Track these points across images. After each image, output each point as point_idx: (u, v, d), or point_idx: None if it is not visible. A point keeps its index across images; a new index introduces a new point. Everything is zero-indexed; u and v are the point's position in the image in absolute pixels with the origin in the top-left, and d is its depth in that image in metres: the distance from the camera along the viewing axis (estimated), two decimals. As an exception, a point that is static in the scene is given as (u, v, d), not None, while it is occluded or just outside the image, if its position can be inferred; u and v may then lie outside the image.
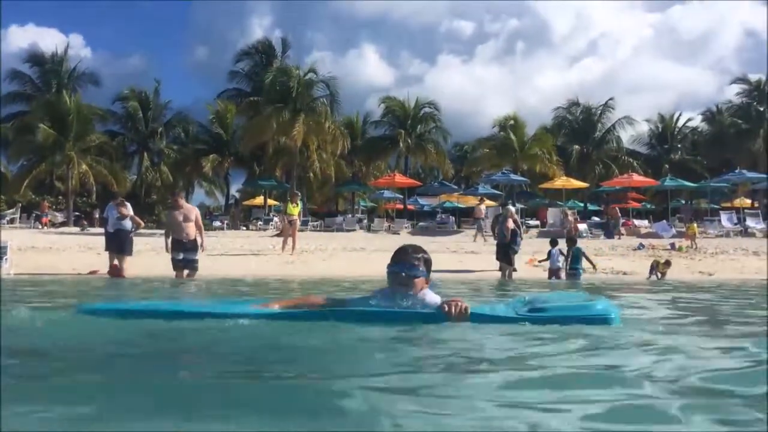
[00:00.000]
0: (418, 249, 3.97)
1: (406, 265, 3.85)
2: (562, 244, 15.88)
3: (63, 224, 34.23)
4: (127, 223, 13.24)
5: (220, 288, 9.30)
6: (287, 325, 3.61)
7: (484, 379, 2.43)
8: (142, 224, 14.01)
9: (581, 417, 1.81)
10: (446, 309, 3.65)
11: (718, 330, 4.29)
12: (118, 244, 13.01)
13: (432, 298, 3.84)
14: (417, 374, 2.50)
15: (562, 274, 15.22)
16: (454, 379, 2.41)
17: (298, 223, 20.44)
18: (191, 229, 11.73)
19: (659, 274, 15.52)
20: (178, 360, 2.89)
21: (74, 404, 1.90)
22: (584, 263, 15.17)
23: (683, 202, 41.84)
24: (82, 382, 2.27)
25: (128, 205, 13.55)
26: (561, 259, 15.48)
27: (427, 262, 3.94)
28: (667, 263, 16.25)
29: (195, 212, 12.15)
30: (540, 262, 16.71)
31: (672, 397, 2.07)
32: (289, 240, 19.33)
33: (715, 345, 3.24)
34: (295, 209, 20.00)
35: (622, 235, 28.34)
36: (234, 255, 18.75)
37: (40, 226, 32.22)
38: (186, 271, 11.63)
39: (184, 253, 11.64)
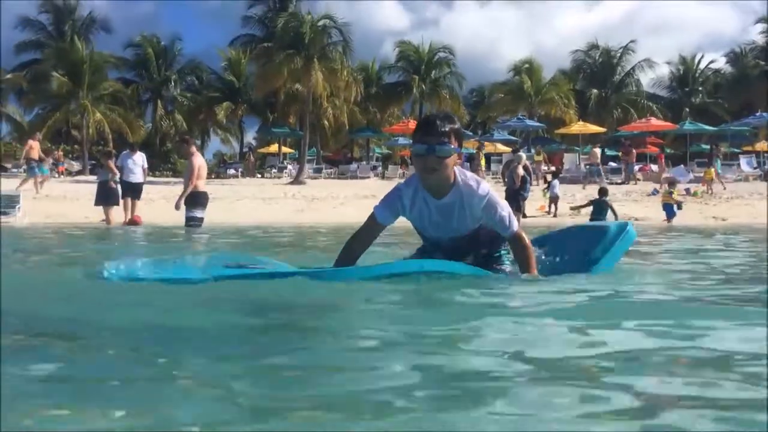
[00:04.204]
0: (446, 118, 3.36)
1: (433, 143, 3.23)
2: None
3: (79, 173, 34.49)
4: (103, 174, 13.69)
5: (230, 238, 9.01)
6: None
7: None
8: (116, 173, 13.50)
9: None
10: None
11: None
12: (101, 197, 13.39)
13: (474, 185, 3.35)
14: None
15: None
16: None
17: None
18: (186, 182, 10.77)
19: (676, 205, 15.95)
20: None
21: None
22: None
23: (705, 146, 41.13)
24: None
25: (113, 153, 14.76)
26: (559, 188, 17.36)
27: (458, 134, 3.33)
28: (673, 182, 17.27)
29: (192, 162, 10.76)
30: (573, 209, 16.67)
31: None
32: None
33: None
34: None
35: (638, 180, 27.97)
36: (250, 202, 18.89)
37: (57, 175, 32.47)
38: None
39: (186, 207, 10.66)
